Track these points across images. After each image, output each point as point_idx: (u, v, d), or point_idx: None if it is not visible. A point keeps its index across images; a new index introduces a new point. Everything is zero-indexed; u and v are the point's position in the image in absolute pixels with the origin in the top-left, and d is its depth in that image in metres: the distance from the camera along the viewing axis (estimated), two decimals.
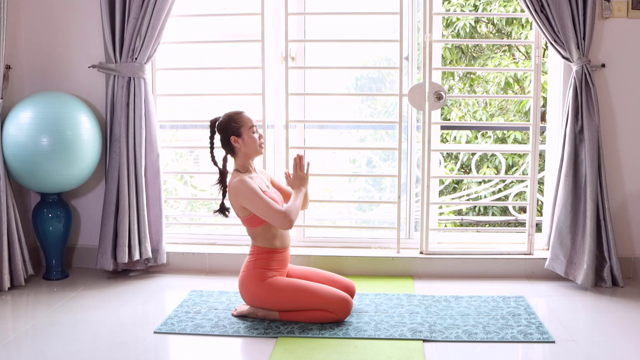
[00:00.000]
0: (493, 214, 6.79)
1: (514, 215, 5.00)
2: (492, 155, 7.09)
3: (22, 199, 3.84)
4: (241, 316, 3.05)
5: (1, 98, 3.43)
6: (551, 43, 3.46)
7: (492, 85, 7.31)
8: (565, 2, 3.35)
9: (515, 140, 6.82)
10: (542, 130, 3.95)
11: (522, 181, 5.25)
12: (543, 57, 4.37)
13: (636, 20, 3.54)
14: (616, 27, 3.54)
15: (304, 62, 3.95)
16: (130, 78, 3.59)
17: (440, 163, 4.63)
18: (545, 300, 3.33)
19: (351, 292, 3.17)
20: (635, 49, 3.56)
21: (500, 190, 5.56)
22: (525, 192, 4.71)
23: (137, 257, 3.62)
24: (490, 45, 7.62)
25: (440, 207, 5.58)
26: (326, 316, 2.95)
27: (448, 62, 7.40)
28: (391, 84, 5.18)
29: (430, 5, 3.59)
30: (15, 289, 3.47)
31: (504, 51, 7.55)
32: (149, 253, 3.67)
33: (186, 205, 5.58)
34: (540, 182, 4.12)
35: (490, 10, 7.14)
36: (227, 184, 3.06)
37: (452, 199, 6.43)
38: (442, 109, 6.39)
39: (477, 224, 5.74)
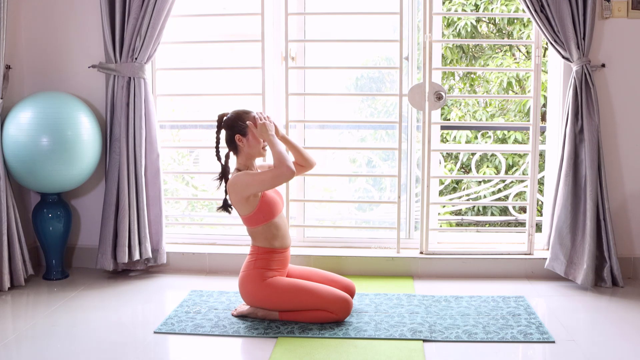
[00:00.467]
0: (492, 214, 6.79)
1: (514, 215, 5.00)
2: (492, 155, 7.09)
3: (22, 199, 3.84)
4: (241, 316, 3.05)
5: (1, 98, 3.43)
6: (551, 43, 3.46)
7: (494, 85, 7.31)
8: (565, 2, 3.35)
9: (516, 141, 6.82)
10: (542, 130, 3.94)
11: (522, 181, 5.25)
12: (543, 57, 4.37)
13: (636, 20, 3.54)
14: (616, 27, 3.54)
15: (304, 62, 3.95)
16: (130, 78, 3.59)
17: (440, 163, 4.63)
18: (545, 300, 3.33)
19: (351, 292, 3.17)
20: (635, 49, 3.56)
21: (500, 190, 5.56)
22: (525, 192, 4.71)
23: (137, 257, 3.62)
24: (491, 45, 7.62)
25: (444, 207, 5.58)
26: (326, 316, 2.95)
27: (449, 62, 7.40)
28: (391, 84, 5.18)
29: (430, 5, 3.59)
30: (15, 289, 3.47)
31: (505, 51, 7.55)
32: (149, 253, 3.67)
33: (186, 205, 5.58)
34: (540, 182, 4.12)
35: (492, 10, 7.14)
36: (228, 184, 3.05)
37: (452, 199, 6.43)
38: (442, 109, 6.40)
39: (477, 224, 5.74)
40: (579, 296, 3.37)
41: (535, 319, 3.01)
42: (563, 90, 3.61)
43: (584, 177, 3.45)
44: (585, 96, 3.43)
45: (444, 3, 6.86)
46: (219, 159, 3.11)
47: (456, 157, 6.92)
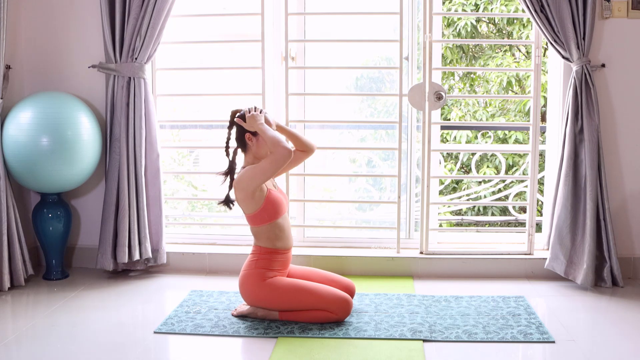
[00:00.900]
0: (493, 214, 6.79)
1: (514, 215, 5.00)
2: (492, 155, 7.09)
3: (22, 199, 3.84)
4: (241, 316, 3.05)
5: (1, 98, 3.43)
6: (551, 43, 3.46)
7: (493, 85, 7.31)
8: (565, 2, 3.35)
9: (516, 141, 6.82)
10: (542, 130, 3.94)
11: (522, 181, 5.25)
12: (543, 57, 4.37)
13: (636, 20, 3.54)
14: (616, 27, 3.53)
15: (304, 62, 3.95)
16: (130, 78, 3.59)
17: (440, 163, 4.63)
18: (545, 300, 3.33)
19: (351, 292, 3.17)
20: (635, 49, 3.56)
21: (500, 190, 5.56)
22: (525, 192, 4.71)
23: (137, 257, 3.62)
24: (491, 45, 7.62)
25: (446, 207, 5.58)
26: (326, 316, 2.95)
27: (449, 62, 7.40)
28: (391, 84, 5.18)
29: (430, 5, 3.59)
30: (15, 289, 3.47)
31: (505, 51, 7.55)
32: (149, 253, 3.67)
33: (186, 206, 5.58)
34: (540, 182, 4.12)
35: (491, 10, 7.14)
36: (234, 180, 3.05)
37: (452, 199, 6.43)
38: (442, 109, 6.39)
39: (477, 224, 5.74)
40: (579, 296, 3.37)
41: (535, 319, 3.01)
42: (563, 90, 3.61)
43: (584, 177, 3.45)
44: (585, 96, 3.43)
45: (443, 3, 6.87)
46: (227, 154, 3.12)
47: (456, 157, 6.92)
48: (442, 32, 4.63)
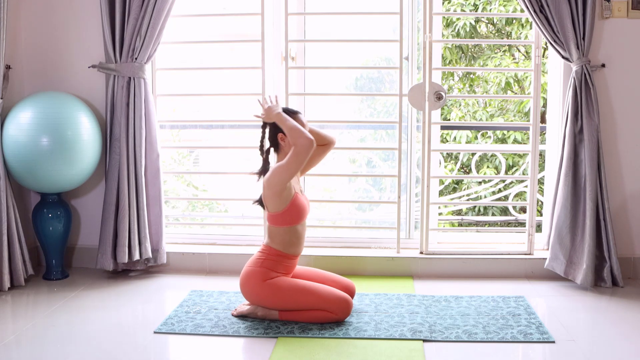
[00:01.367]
0: (493, 214, 6.79)
1: (514, 215, 5.00)
2: (492, 155, 7.09)
3: (22, 199, 3.84)
4: (241, 316, 3.05)
5: (1, 98, 3.43)
6: (551, 43, 3.46)
7: (492, 86, 7.31)
8: (565, 2, 3.35)
9: (515, 141, 6.82)
10: (542, 131, 3.95)
11: (522, 181, 5.25)
12: (543, 57, 4.37)
13: (636, 20, 3.54)
14: (616, 27, 3.54)
15: (304, 62, 3.95)
16: (130, 78, 3.59)
17: (440, 163, 4.63)
18: (545, 300, 3.33)
19: (351, 293, 3.17)
20: (635, 49, 3.56)
21: (500, 190, 5.56)
22: (525, 192, 4.71)
23: (137, 257, 3.62)
24: (490, 45, 7.62)
25: (446, 207, 5.58)
26: (326, 316, 2.95)
27: (448, 62, 7.41)
28: (391, 84, 5.18)
29: (430, 5, 3.59)
30: (15, 289, 3.47)
31: (504, 51, 7.55)
32: (149, 253, 3.67)
33: (187, 206, 5.58)
34: (540, 182, 4.12)
35: (490, 10, 7.14)
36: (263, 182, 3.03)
37: (452, 199, 6.43)
38: (442, 109, 6.39)
39: (477, 224, 5.74)
40: (578, 296, 3.37)
41: (535, 319, 3.01)
42: (563, 90, 3.61)
43: (584, 177, 3.45)
44: (585, 96, 3.43)
45: (443, 3, 6.86)
46: (261, 153, 3.13)
47: (456, 157, 6.92)
48: (442, 33, 4.63)
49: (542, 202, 4.04)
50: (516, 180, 5.68)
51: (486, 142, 6.46)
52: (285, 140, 3.01)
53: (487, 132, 6.49)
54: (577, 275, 3.44)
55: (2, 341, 2.77)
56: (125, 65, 3.58)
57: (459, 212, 5.86)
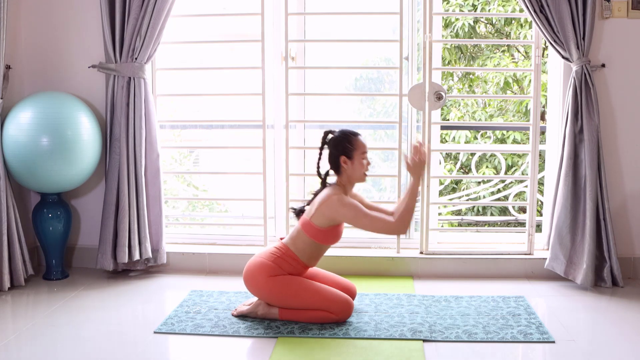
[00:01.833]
0: (492, 214, 6.79)
1: (513, 215, 5.00)
2: (492, 155, 7.09)
3: (22, 199, 3.84)
4: (241, 316, 3.05)
5: (1, 98, 3.43)
6: (551, 43, 3.46)
7: (491, 86, 7.31)
8: (565, 2, 3.35)
9: (515, 141, 6.82)
10: (542, 131, 3.95)
11: (522, 181, 5.25)
12: (543, 57, 4.37)
13: (636, 20, 3.54)
14: (616, 27, 3.54)
15: (304, 62, 3.95)
16: (130, 78, 3.59)
17: (440, 163, 4.63)
18: (545, 300, 3.33)
19: (352, 295, 3.17)
20: (635, 49, 3.56)
21: (500, 191, 5.56)
22: (525, 192, 4.71)
23: (137, 257, 3.62)
24: (489, 45, 7.62)
25: (446, 207, 5.58)
26: (327, 317, 2.95)
27: (447, 63, 7.41)
28: (390, 84, 5.18)
29: (430, 5, 3.60)
30: (15, 289, 3.47)
31: (503, 51, 7.55)
32: (149, 253, 3.67)
33: (187, 206, 5.58)
34: (540, 182, 4.12)
35: (489, 10, 7.14)
36: (325, 194, 3.02)
37: (452, 199, 6.43)
38: (442, 109, 6.38)
39: (477, 224, 5.74)
40: (578, 296, 3.37)
41: (535, 319, 3.01)
42: (563, 90, 3.61)
43: (584, 177, 3.45)
44: (585, 96, 3.43)
45: (442, 3, 6.86)
46: (319, 175, 3.14)
47: (456, 158, 6.92)
48: (441, 33, 4.63)
49: (542, 202, 4.04)
50: (516, 181, 5.68)
51: (486, 142, 6.46)
52: (348, 163, 3.01)
53: (486, 132, 6.49)
54: (577, 275, 3.44)
55: (2, 341, 2.77)
56: (125, 65, 3.58)
57: (458, 212, 5.86)
